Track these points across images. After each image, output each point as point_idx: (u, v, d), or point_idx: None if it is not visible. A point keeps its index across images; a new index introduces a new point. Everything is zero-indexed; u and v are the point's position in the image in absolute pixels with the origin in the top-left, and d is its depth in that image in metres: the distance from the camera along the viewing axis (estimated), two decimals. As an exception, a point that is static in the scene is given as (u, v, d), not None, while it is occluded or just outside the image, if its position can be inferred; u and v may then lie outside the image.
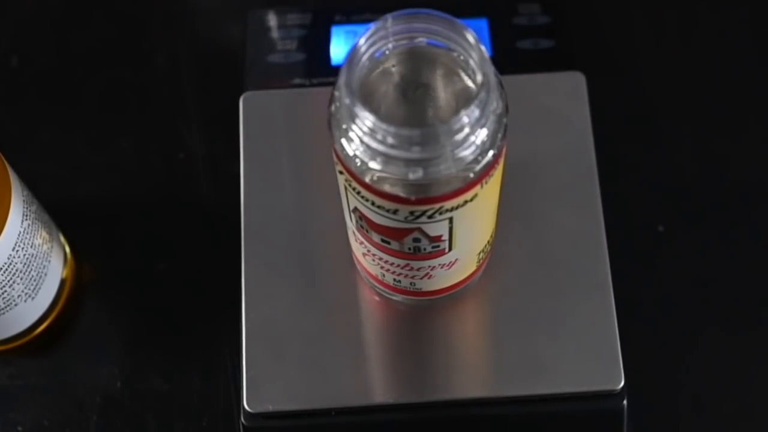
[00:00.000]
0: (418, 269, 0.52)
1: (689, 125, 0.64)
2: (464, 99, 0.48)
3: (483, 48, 0.47)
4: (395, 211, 0.48)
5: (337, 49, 0.62)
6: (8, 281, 0.55)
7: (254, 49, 0.63)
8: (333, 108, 0.48)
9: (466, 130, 0.46)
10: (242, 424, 0.55)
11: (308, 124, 0.59)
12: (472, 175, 0.47)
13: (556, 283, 0.56)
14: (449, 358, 0.56)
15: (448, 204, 0.48)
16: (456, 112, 0.46)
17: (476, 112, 0.46)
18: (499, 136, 0.47)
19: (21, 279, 0.56)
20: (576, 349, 0.55)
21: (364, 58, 0.47)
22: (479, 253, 0.54)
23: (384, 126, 0.45)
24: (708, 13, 0.67)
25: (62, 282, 0.60)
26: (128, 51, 0.67)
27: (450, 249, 0.51)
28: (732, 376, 0.59)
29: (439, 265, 0.52)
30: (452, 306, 0.56)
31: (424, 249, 0.50)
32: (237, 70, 0.63)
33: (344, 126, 0.47)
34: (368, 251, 0.52)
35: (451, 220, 0.49)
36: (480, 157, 0.47)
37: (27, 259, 0.56)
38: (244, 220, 0.58)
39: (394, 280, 0.54)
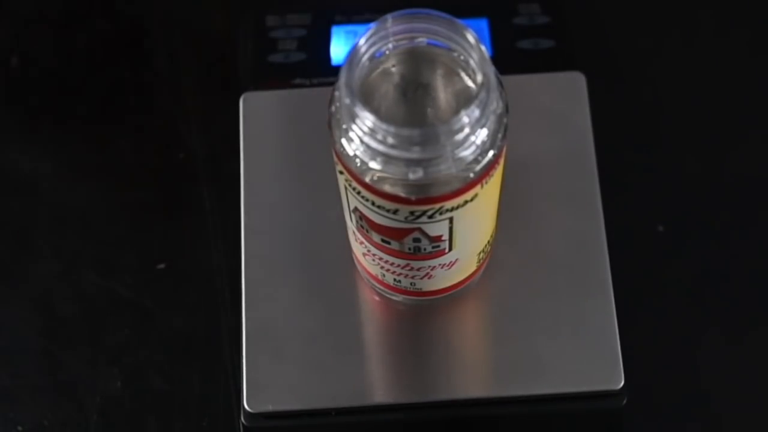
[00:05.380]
0: (419, 269, 0.52)
1: (689, 125, 0.64)
2: (464, 99, 0.48)
3: (483, 48, 0.47)
4: (395, 211, 0.48)
5: (337, 49, 0.62)
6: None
7: (254, 49, 0.63)
8: (333, 108, 0.48)
9: (467, 130, 0.46)
10: (242, 424, 0.55)
11: (308, 124, 0.59)
12: (472, 175, 0.47)
13: (556, 283, 0.56)
14: (449, 358, 0.56)
15: (448, 204, 0.48)
16: (456, 112, 0.46)
17: (476, 112, 0.46)
18: (500, 136, 0.47)
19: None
20: (576, 349, 0.55)
21: (365, 58, 0.47)
22: (479, 253, 0.54)
23: (384, 126, 0.45)
24: (708, 13, 0.67)
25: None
26: (128, 51, 0.67)
27: (450, 249, 0.51)
28: (732, 375, 0.59)
29: (440, 265, 0.52)
30: (452, 306, 0.56)
31: (425, 249, 0.50)
32: (237, 70, 0.63)
33: (344, 126, 0.47)
34: (368, 251, 0.52)
35: (451, 220, 0.49)
36: (480, 157, 0.47)
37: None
38: (244, 220, 0.58)
39: (395, 280, 0.54)
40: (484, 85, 0.46)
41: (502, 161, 0.49)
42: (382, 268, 0.53)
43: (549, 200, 0.58)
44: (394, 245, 0.51)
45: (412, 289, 0.54)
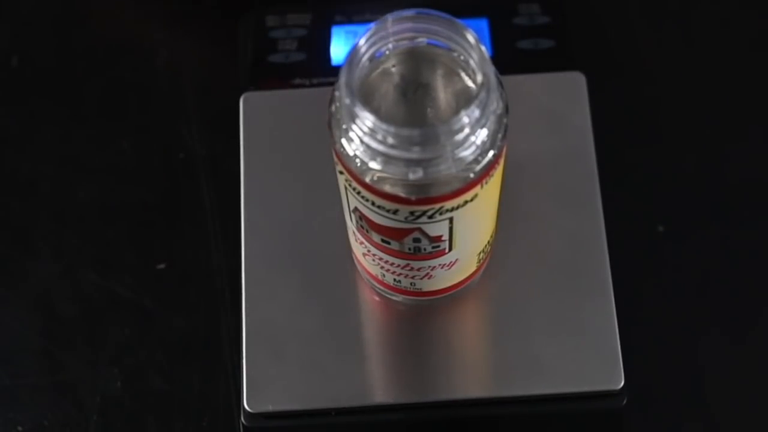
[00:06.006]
0: (419, 269, 0.52)
1: (689, 125, 0.64)
2: (464, 99, 0.48)
3: (483, 48, 0.47)
4: (395, 212, 0.48)
5: (338, 49, 0.62)
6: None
7: (254, 49, 0.63)
8: (333, 108, 0.48)
9: (467, 130, 0.46)
10: (242, 424, 0.55)
11: (308, 124, 0.59)
12: (472, 175, 0.47)
13: (556, 283, 0.56)
14: (449, 358, 0.56)
15: (448, 204, 0.48)
16: (456, 112, 0.46)
17: (476, 112, 0.46)
18: (500, 136, 0.47)
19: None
20: (576, 349, 0.55)
21: (365, 58, 0.47)
22: (479, 253, 0.54)
23: (384, 126, 0.45)
24: (708, 13, 0.67)
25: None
26: (128, 51, 0.67)
27: (450, 249, 0.51)
28: (732, 376, 0.59)
29: (440, 265, 0.52)
30: (452, 306, 0.56)
31: (425, 249, 0.50)
32: (237, 70, 0.63)
33: (344, 126, 0.47)
34: (368, 251, 0.52)
35: (451, 220, 0.49)
36: (480, 158, 0.47)
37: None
38: (244, 220, 0.58)
39: (395, 280, 0.54)
40: (484, 85, 0.46)
41: (502, 161, 0.49)
42: (382, 268, 0.53)
43: (549, 200, 0.58)
44: (394, 245, 0.51)
45: (412, 289, 0.54)
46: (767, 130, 0.65)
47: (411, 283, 0.54)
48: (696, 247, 0.61)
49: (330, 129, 0.48)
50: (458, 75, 0.48)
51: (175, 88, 0.66)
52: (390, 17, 0.47)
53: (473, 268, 0.55)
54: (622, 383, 0.54)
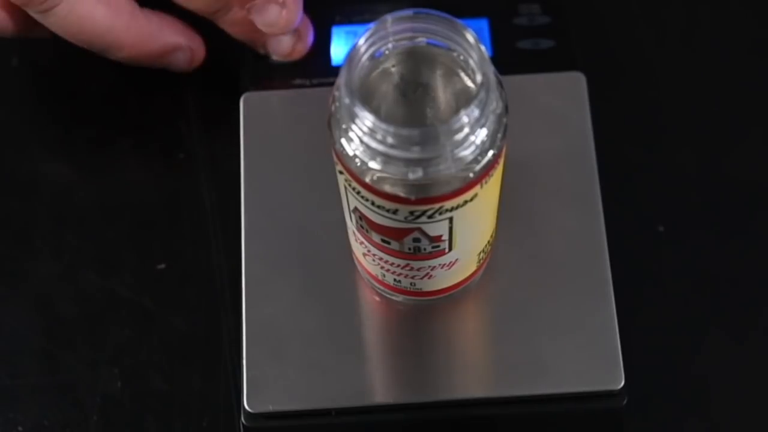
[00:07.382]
0: (419, 269, 0.52)
1: (690, 125, 0.64)
2: (464, 99, 0.48)
3: (483, 48, 0.47)
4: (395, 211, 0.48)
5: (338, 49, 0.62)
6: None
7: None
8: (333, 108, 0.48)
9: (466, 130, 0.46)
10: (242, 424, 0.55)
11: (308, 124, 0.59)
12: (471, 175, 0.47)
13: (556, 283, 0.56)
14: (449, 358, 0.56)
15: (448, 204, 0.48)
16: (456, 112, 0.46)
17: (476, 112, 0.46)
18: (499, 136, 0.47)
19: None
20: (576, 349, 0.55)
21: (364, 58, 0.48)
22: (479, 253, 0.54)
23: (384, 126, 0.45)
24: (709, 13, 0.67)
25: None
26: (128, 51, 0.67)
27: (450, 249, 0.51)
28: (732, 376, 0.59)
29: (440, 265, 0.52)
30: (452, 306, 0.56)
31: (424, 249, 0.50)
32: (237, 70, 0.63)
33: (344, 126, 0.47)
34: (368, 251, 0.52)
35: (451, 220, 0.49)
36: (480, 157, 0.47)
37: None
38: (244, 220, 0.58)
39: (395, 280, 0.54)
40: (483, 85, 0.46)
41: (501, 161, 0.49)
42: (382, 268, 0.53)
43: (549, 200, 0.58)
44: (394, 245, 0.51)
45: (412, 289, 0.54)
46: (766, 130, 0.65)
47: (411, 283, 0.54)
48: (696, 247, 0.61)
49: (330, 129, 0.48)
50: (458, 75, 0.48)
51: (175, 88, 0.65)
52: (389, 17, 0.47)
53: (473, 268, 0.55)
54: (622, 383, 0.54)
